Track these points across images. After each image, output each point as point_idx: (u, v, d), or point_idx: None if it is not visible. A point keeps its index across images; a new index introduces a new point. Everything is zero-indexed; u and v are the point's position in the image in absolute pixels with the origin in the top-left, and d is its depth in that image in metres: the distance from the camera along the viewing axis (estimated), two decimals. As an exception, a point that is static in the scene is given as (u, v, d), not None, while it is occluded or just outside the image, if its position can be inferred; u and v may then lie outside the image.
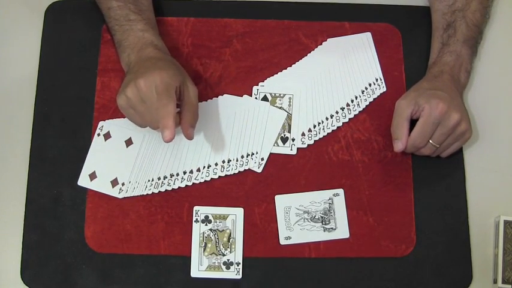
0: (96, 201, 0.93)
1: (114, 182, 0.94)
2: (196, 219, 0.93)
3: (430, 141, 0.91)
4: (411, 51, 1.01)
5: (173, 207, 0.94)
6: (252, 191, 0.95)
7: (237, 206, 0.94)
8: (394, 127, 0.92)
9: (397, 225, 0.94)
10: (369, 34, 1.02)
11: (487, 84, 1.02)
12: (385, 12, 1.03)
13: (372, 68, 1.00)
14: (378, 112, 0.99)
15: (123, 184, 0.94)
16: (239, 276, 0.91)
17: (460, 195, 0.96)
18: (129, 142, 0.95)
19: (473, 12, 0.97)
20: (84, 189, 0.94)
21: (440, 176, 0.96)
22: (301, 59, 1.00)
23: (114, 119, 0.96)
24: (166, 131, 0.84)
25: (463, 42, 0.96)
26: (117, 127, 0.95)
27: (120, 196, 0.93)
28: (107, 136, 0.96)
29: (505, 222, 0.93)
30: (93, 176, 0.94)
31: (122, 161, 0.95)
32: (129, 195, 0.93)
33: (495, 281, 0.92)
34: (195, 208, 0.93)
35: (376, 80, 1.00)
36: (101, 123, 0.96)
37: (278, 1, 1.04)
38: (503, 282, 0.91)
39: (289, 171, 0.95)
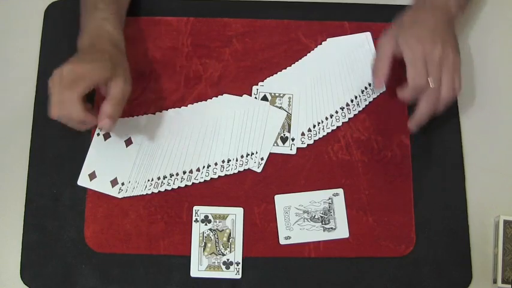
0: (96, 201, 0.93)
1: (114, 182, 0.94)
2: (196, 219, 0.93)
3: (429, 78, 0.87)
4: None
5: (173, 207, 0.94)
6: (252, 190, 0.95)
7: (237, 205, 0.94)
8: (375, 65, 0.92)
9: (396, 225, 0.94)
10: (368, 34, 1.02)
11: (487, 84, 1.02)
12: (385, 12, 1.03)
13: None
14: (378, 112, 0.99)
15: (122, 184, 0.94)
16: (239, 276, 0.91)
17: (460, 195, 0.96)
18: (128, 142, 0.95)
19: None
20: (84, 189, 0.94)
21: (440, 176, 0.96)
22: (300, 58, 1.00)
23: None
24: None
25: None
26: (116, 127, 0.95)
27: (120, 196, 0.93)
28: (107, 136, 0.96)
29: (505, 222, 0.93)
30: (92, 175, 0.94)
31: (121, 161, 0.95)
32: (128, 195, 0.93)
33: (495, 281, 0.92)
34: (195, 208, 0.93)
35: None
36: None
37: (278, 1, 1.04)
38: (503, 282, 0.91)
39: (289, 171, 0.96)
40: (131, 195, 0.94)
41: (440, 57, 0.87)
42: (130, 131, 0.96)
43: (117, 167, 0.94)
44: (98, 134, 0.96)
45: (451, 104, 0.99)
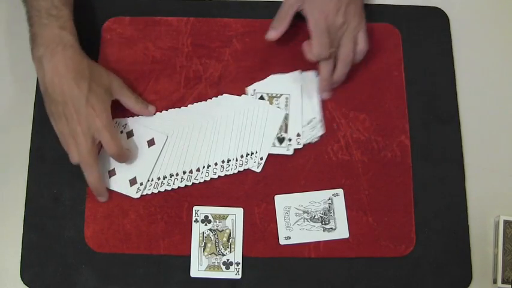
0: (96, 201, 0.93)
1: (133, 181, 0.93)
2: (196, 219, 0.93)
3: (330, 49, 0.93)
4: (411, 51, 1.01)
5: (173, 207, 0.94)
6: (252, 191, 0.95)
7: (237, 206, 0.94)
8: (275, 18, 0.95)
9: (396, 225, 0.94)
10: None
11: (487, 84, 1.02)
12: (385, 12, 1.03)
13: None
14: (378, 112, 0.99)
15: (141, 184, 0.93)
16: (239, 276, 0.91)
17: (460, 195, 0.96)
18: (151, 142, 0.95)
19: None
20: (84, 189, 0.94)
21: (440, 175, 0.96)
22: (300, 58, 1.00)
23: (139, 117, 0.97)
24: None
25: None
26: (140, 126, 0.95)
27: (137, 196, 0.93)
28: (130, 134, 0.95)
29: (505, 222, 0.93)
30: (112, 172, 0.94)
31: (142, 161, 0.94)
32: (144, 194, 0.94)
33: (495, 281, 0.92)
34: (195, 208, 0.93)
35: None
36: (124, 120, 0.96)
37: (278, 1, 1.04)
38: (503, 282, 0.91)
39: (289, 171, 0.95)
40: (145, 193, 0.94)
41: (342, 25, 0.93)
42: (153, 131, 0.96)
43: (137, 167, 0.94)
44: (121, 132, 0.95)
45: (451, 104, 0.99)
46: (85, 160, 0.89)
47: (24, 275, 0.91)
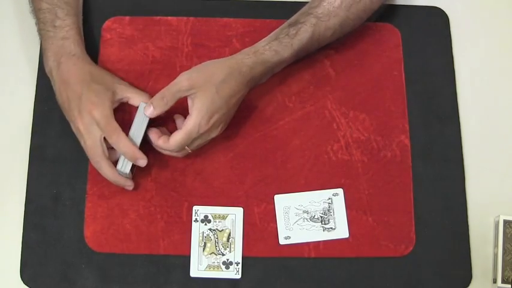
0: (96, 201, 0.93)
1: None
2: (196, 218, 0.93)
3: (186, 147, 0.90)
4: (411, 51, 1.01)
5: (173, 206, 0.94)
6: (252, 190, 0.95)
7: (237, 205, 0.94)
8: (158, 96, 0.88)
9: (396, 224, 0.94)
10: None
11: (487, 84, 1.02)
12: (385, 12, 1.03)
13: None
14: (378, 112, 0.99)
15: None
16: (238, 276, 0.91)
17: (460, 195, 0.96)
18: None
19: (326, 28, 0.93)
20: (84, 189, 0.94)
21: (440, 175, 0.96)
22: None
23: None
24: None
25: (296, 51, 0.93)
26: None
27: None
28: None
29: (505, 221, 0.93)
30: None
31: None
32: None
33: (495, 281, 0.92)
34: (195, 208, 0.93)
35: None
36: None
37: (278, 1, 1.04)
38: (503, 281, 0.91)
39: (289, 171, 0.95)
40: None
41: (204, 132, 0.89)
42: None
43: None
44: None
45: (451, 104, 0.99)
46: (90, 155, 0.89)
47: (24, 275, 0.91)
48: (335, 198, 0.94)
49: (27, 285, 0.91)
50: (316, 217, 0.94)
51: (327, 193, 0.95)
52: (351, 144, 0.97)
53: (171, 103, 0.88)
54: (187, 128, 0.88)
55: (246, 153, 0.96)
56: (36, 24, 0.95)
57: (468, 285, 0.92)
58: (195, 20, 1.02)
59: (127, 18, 1.02)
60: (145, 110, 0.88)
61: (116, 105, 0.91)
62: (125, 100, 0.92)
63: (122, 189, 0.93)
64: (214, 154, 0.96)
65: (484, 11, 1.06)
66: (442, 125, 0.99)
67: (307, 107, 0.99)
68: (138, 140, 0.90)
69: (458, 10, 1.05)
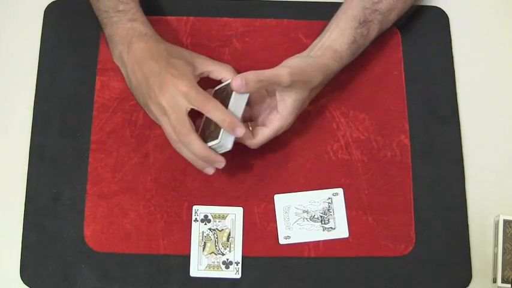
0: (96, 201, 0.93)
1: None
2: (196, 218, 0.93)
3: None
4: (410, 50, 1.01)
5: (172, 206, 0.94)
6: (252, 190, 0.95)
7: (237, 205, 0.94)
8: (260, 76, 0.84)
9: (396, 224, 0.94)
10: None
11: (487, 84, 1.02)
12: (385, 12, 1.03)
13: None
14: (378, 112, 0.99)
15: None
16: (238, 276, 0.91)
17: (460, 195, 0.96)
18: None
19: (388, 22, 0.95)
20: (84, 189, 0.94)
21: (440, 175, 0.96)
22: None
23: None
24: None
25: (360, 48, 0.94)
26: None
27: None
28: None
29: (505, 221, 0.93)
30: None
31: None
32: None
33: (494, 280, 0.92)
34: (195, 207, 0.93)
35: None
36: None
37: (278, 0, 1.04)
38: (503, 281, 0.91)
39: (289, 171, 0.96)
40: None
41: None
42: None
43: None
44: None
45: (451, 103, 0.99)
46: (178, 131, 0.84)
47: (24, 275, 0.91)
48: (335, 198, 0.94)
49: (28, 285, 0.91)
50: (316, 217, 0.94)
51: (327, 193, 0.95)
52: (350, 144, 0.97)
53: (262, 90, 0.88)
54: (275, 127, 0.87)
55: (246, 153, 0.96)
56: (97, 17, 0.94)
57: (468, 284, 0.92)
58: (195, 19, 1.02)
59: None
60: (234, 82, 0.82)
61: (197, 79, 0.88)
62: (205, 74, 0.90)
63: (122, 189, 0.93)
64: (214, 154, 0.96)
65: (484, 11, 1.06)
66: (442, 125, 0.99)
67: (307, 107, 0.99)
68: (239, 111, 0.85)
69: (458, 10, 1.05)
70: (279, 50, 1.01)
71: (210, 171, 0.88)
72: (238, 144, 0.88)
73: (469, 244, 0.94)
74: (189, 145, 0.85)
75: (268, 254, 0.92)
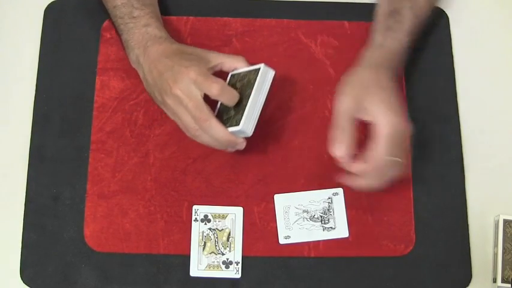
0: (96, 200, 0.93)
1: None
2: (196, 218, 0.93)
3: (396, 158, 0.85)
4: (410, 50, 1.01)
5: (172, 206, 0.94)
6: (252, 190, 0.95)
7: (237, 205, 0.94)
8: (334, 133, 0.85)
9: (396, 224, 0.94)
10: None
11: (487, 84, 1.02)
12: (384, 11, 1.03)
13: None
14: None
15: None
16: (238, 276, 0.91)
17: (460, 195, 0.96)
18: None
19: (420, 7, 0.95)
20: (84, 189, 0.94)
21: (439, 175, 0.96)
22: (300, 58, 1.00)
23: None
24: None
25: (409, 32, 0.93)
26: None
27: None
28: None
29: (505, 221, 0.93)
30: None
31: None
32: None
33: (494, 280, 0.92)
34: (195, 207, 0.93)
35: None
36: None
37: (278, 0, 1.04)
38: (503, 281, 0.91)
39: (289, 171, 0.96)
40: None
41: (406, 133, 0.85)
42: None
43: None
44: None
45: (451, 104, 0.99)
46: (197, 117, 0.85)
47: (24, 275, 0.91)
48: (335, 198, 0.94)
49: (28, 285, 0.91)
50: (316, 216, 0.94)
51: (327, 193, 0.95)
52: (350, 144, 0.97)
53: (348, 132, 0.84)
54: (382, 133, 0.83)
55: (246, 152, 0.95)
56: (113, 23, 0.95)
57: (468, 284, 0.92)
58: (195, 19, 1.02)
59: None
60: (337, 150, 0.84)
61: (210, 72, 0.88)
62: (218, 68, 0.90)
63: (122, 189, 0.94)
64: (214, 154, 0.96)
65: (484, 11, 1.06)
66: (442, 125, 0.99)
67: (307, 107, 0.99)
68: (263, 96, 0.86)
69: (458, 10, 1.05)
70: (279, 49, 1.01)
71: (239, 147, 0.89)
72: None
73: (469, 244, 0.94)
74: (210, 129, 0.85)
75: (268, 254, 0.92)
